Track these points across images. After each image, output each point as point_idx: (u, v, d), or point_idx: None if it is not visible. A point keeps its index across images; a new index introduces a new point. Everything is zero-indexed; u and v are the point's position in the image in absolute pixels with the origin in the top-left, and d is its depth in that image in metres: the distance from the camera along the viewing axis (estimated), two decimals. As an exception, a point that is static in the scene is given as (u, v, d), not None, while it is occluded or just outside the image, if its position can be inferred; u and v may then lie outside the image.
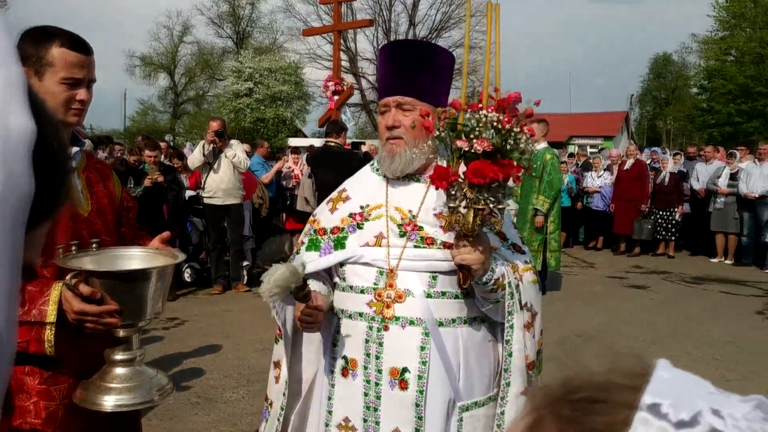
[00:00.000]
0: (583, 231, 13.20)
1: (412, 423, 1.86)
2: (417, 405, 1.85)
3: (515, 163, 1.67)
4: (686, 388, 0.53)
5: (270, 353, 2.18)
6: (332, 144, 7.63)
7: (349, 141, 10.28)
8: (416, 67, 1.99)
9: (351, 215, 2.02)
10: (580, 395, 0.55)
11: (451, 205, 1.72)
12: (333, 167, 6.84)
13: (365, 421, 1.91)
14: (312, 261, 1.97)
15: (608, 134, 39.40)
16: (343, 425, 1.94)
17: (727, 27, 35.17)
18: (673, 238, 11.94)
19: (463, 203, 1.69)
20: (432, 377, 1.86)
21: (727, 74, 33.59)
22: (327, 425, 1.98)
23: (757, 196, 10.62)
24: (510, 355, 1.91)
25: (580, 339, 6.34)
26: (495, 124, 1.63)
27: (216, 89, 39.93)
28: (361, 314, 1.92)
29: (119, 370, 1.73)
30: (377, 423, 1.89)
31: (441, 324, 1.88)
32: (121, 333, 1.73)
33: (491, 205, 1.70)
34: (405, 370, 1.86)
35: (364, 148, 11.91)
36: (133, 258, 1.85)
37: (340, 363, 1.96)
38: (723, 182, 11.20)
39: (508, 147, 1.67)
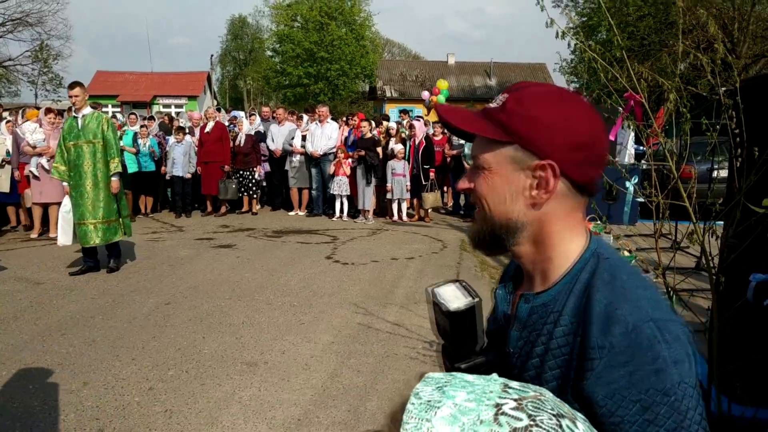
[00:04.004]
0: (170, 194, 13.15)
1: None
2: None
3: None
4: None
5: None
6: None
7: None
8: None
9: None
10: None
11: None
12: None
13: None
14: None
15: (192, 94, 39.62)
16: None
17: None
18: (255, 195, 12.74)
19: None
20: None
21: (295, 39, 36.62)
22: None
23: (321, 153, 11.99)
24: None
25: (169, 307, 6.39)
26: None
27: None
28: None
29: None
30: None
31: None
32: None
33: None
34: None
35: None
36: None
37: None
38: (297, 143, 12.31)
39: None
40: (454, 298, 1.15)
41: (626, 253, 5.82)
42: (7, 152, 10.24)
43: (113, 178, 7.47)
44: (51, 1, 28.95)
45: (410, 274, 7.92)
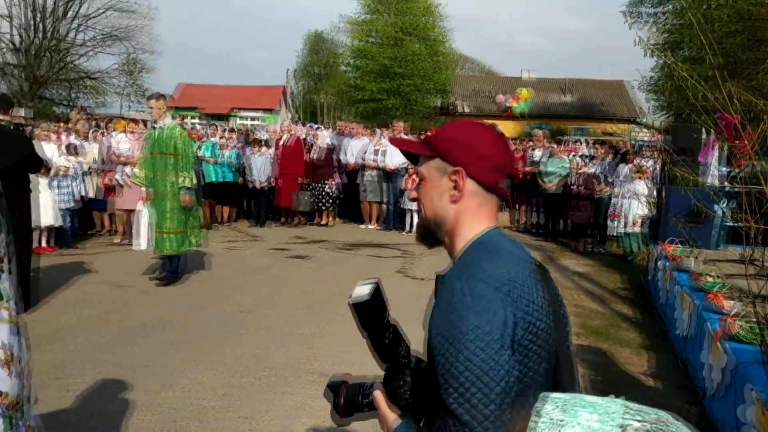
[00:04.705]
0: (253, 205, 13.41)
1: None
2: None
3: None
4: None
5: None
6: (2, 123, 6.36)
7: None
8: None
9: None
10: None
11: None
12: (8, 152, 5.84)
13: None
14: None
15: (268, 107, 40.62)
16: None
17: (370, 11, 38.66)
18: (329, 208, 12.91)
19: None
20: None
21: (370, 54, 37.03)
22: None
23: (394, 168, 12.08)
24: None
25: (244, 315, 6.54)
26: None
27: None
28: None
29: None
30: None
31: None
32: None
33: None
34: None
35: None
36: None
37: None
38: (370, 157, 12.45)
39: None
40: (357, 293, 1.44)
41: (709, 279, 5.60)
42: (94, 160, 10.77)
43: (182, 192, 7.47)
44: (140, 18, 30.19)
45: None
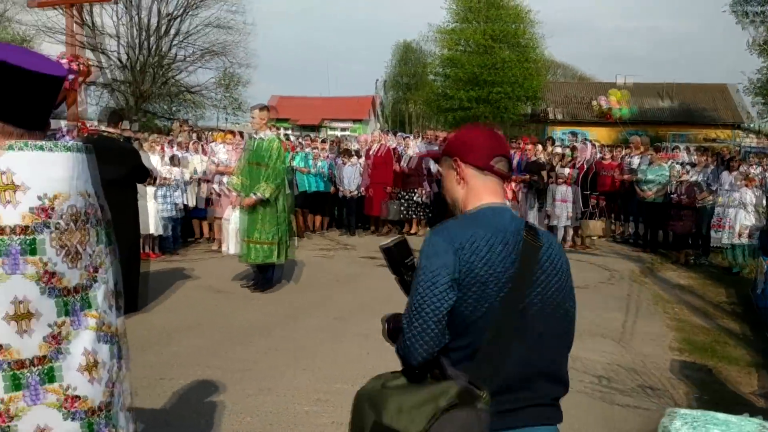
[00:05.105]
0: (344, 214, 13.61)
1: None
2: None
3: None
4: None
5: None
6: (114, 136, 6.69)
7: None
8: None
9: None
10: None
11: None
12: (118, 163, 6.23)
13: None
14: None
15: (358, 117, 41.20)
16: None
17: (459, 20, 38.50)
18: (419, 216, 12.90)
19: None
20: None
21: (459, 63, 36.84)
22: None
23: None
24: None
25: (337, 322, 6.64)
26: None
27: None
28: None
29: None
30: None
31: None
32: None
33: None
34: None
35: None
36: None
37: None
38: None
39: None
40: (385, 242, 1.96)
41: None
42: (195, 170, 11.24)
43: (251, 194, 7.38)
44: (236, 33, 31.31)
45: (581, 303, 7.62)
